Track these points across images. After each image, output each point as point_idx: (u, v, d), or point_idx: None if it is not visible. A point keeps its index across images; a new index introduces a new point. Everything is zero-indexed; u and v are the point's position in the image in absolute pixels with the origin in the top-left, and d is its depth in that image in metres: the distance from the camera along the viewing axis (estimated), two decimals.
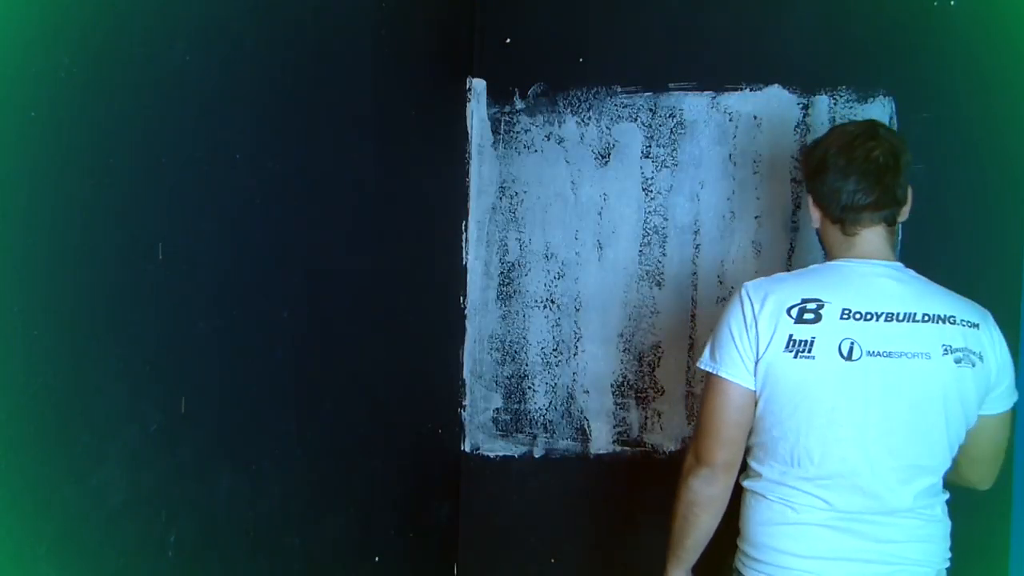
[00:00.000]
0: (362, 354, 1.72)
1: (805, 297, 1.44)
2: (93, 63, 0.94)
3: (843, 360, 1.41)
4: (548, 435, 2.37)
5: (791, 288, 1.47)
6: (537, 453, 2.38)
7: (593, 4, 2.31)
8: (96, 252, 0.96)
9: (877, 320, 1.43)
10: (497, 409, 2.40)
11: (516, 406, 2.38)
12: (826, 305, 1.43)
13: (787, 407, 1.45)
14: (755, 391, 1.47)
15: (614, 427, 2.31)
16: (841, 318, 1.42)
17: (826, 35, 2.15)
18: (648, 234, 2.27)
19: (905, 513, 1.46)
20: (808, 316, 1.43)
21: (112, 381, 0.99)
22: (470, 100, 2.37)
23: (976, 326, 1.47)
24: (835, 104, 2.15)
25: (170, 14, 1.07)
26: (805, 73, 2.17)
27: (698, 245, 2.24)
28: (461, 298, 2.38)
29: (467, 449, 2.42)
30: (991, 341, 1.48)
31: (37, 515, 0.90)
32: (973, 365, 1.44)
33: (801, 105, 2.17)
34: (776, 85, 2.18)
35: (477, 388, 2.41)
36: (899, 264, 1.52)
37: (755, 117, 2.20)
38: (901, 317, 1.43)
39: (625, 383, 2.29)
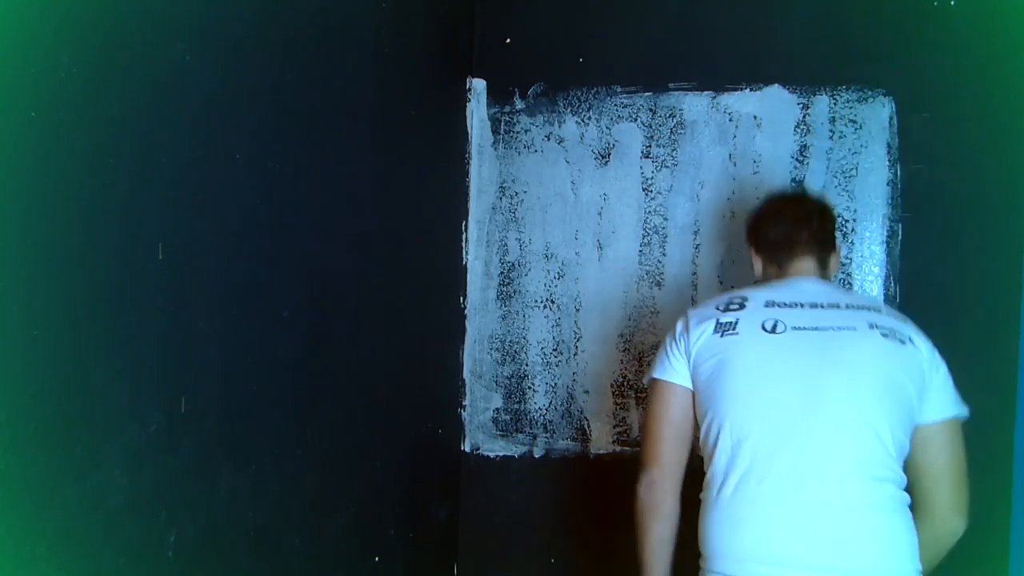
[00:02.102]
0: (362, 354, 1.72)
1: (732, 296, 1.58)
2: (93, 63, 0.94)
3: (767, 333, 1.48)
4: (548, 435, 2.37)
5: (721, 297, 1.61)
6: (537, 453, 2.38)
7: (593, 4, 2.31)
8: (96, 252, 0.96)
9: (802, 308, 1.51)
10: (497, 409, 2.40)
11: (516, 406, 2.38)
12: (751, 298, 1.55)
13: (715, 379, 1.48)
14: (690, 389, 1.53)
15: (614, 427, 2.31)
16: (765, 306, 1.52)
17: (826, 35, 2.16)
18: (648, 234, 2.27)
19: (857, 508, 1.39)
20: (733, 306, 1.54)
21: (112, 381, 0.99)
22: (470, 100, 2.37)
23: (904, 322, 1.54)
24: (835, 104, 2.15)
25: (170, 14, 1.07)
26: (805, 73, 2.17)
27: (698, 245, 2.24)
28: (461, 298, 2.38)
29: (467, 449, 2.42)
30: (921, 339, 1.52)
31: (37, 515, 0.89)
32: (902, 343, 1.47)
33: (801, 105, 2.17)
34: (776, 85, 2.18)
35: (477, 388, 2.40)
36: (824, 279, 1.63)
37: (755, 117, 2.20)
38: (825, 305, 1.52)
39: (625, 383, 2.29)
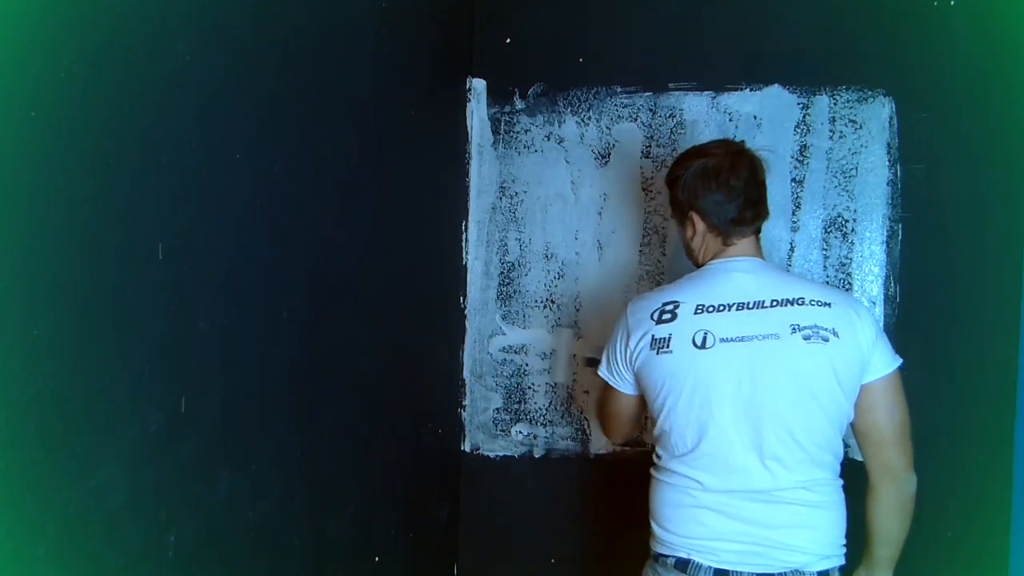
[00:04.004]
0: (362, 354, 1.72)
1: (665, 301, 1.62)
2: (93, 63, 0.94)
3: (697, 349, 1.55)
4: (548, 435, 2.37)
5: (658, 296, 1.64)
6: (537, 453, 2.38)
7: (593, 4, 2.31)
8: (96, 252, 0.96)
9: (729, 310, 1.56)
10: (497, 409, 2.40)
11: (516, 406, 2.38)
12: (681, 305, 1.59)
13: (659, 399, 1.60)
14: (635, 395, 1.70)
15: None
16: (695, 313, 1.57)
17: (826, 35, 2.16)
18: (648, 234, 2.27)
19: (783, 495, 1.52)
20: (666, 317, 1.59)
21: (112, 381, 0.99)
22: (470, 100, 2.37)
23: (827, 305, 1.55)
24: (835, 104, 2.15)
25: (170, 14, 1.07)
26: (805, 73, 2.17)
27: None
28: (461, 298, 2.38)
29: (467, 449, 2.42)
30: (847, 317, 1.55)
31: (37, 515, 0.90)
32: (825, 340, 1.52)
33: (801, 105, 2.17)
34: (776, 85, 2.18)
35: (477, 388, 2.40)
36: (759, 260, 1.65)
37: (755, 117, 2.20)
38: (751, 305, 1.56)
39: None
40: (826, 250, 2.17)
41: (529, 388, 2.37)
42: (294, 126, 1.41)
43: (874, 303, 2.14)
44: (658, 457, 1.66)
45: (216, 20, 1.18)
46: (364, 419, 1.74)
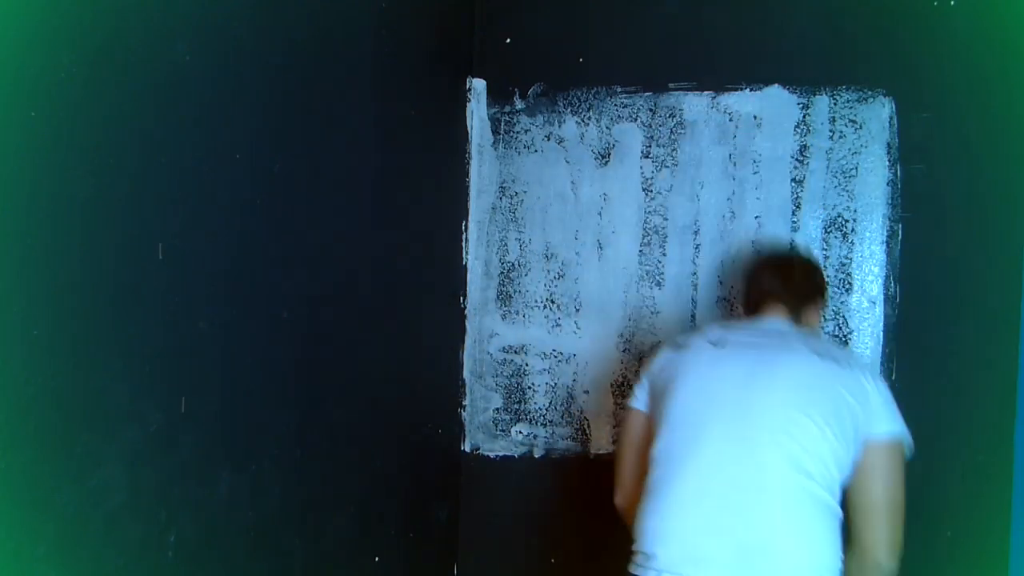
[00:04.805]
0: (362, 354, 1.72)
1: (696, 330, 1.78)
2: (93, 63, 0.94)
3: (711, 346, 1.64)
4: (548, 435, 2.37)
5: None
6: (537, 453, 2.38)
7: (593, 4, 2.31)
8: (96, 252, 0.96)
9: (751, 333, 1.68)
10: (497, 409, 2.40)
11: (516, 406, 2.38)
12: (711, 327, 1.74)
13: (664, 390, 1.62)
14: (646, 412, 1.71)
15: (614, 427, 2.30)
16: (719, 328, 1.71)
17: (826, 35, 2.16)
18: (648, 234, 2.27)
19: (774, 500, 1.43)
20: (693, 334, 1.73)
21: (112, 381, 0.99)
22: (470, 100, 2.37)
23: (837, 361, 1.57)
24: (835, 104, 2.15)
25: (170, 14, 1.07)
26: (805, 73, 2.17)
27: (698, 245, 2.24)
28: (461, 298, 2.38)
29: (467, 449, 2.42)
30: (860, 370, 1.57)
31: (37, 515, 0.90)
32: (837, 362, 1.56)
33: (801, 105, 2.17)
34: (776, 85, 2.18)
35: (477, 388, 2.40)
36: (790, 321, 1.73)
37: (755, 117, 2.20)
38: (773, 334, 1.67)
39: (625, 383, 2.29)
40: (826, 250, 2.17)
41: (529, 388, 2.37)
42: (294, 126, 1.41)
43: (874, 303, 2.14)
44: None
45: (216, 20, 1.18)
46: (364, 419, 1.74)
